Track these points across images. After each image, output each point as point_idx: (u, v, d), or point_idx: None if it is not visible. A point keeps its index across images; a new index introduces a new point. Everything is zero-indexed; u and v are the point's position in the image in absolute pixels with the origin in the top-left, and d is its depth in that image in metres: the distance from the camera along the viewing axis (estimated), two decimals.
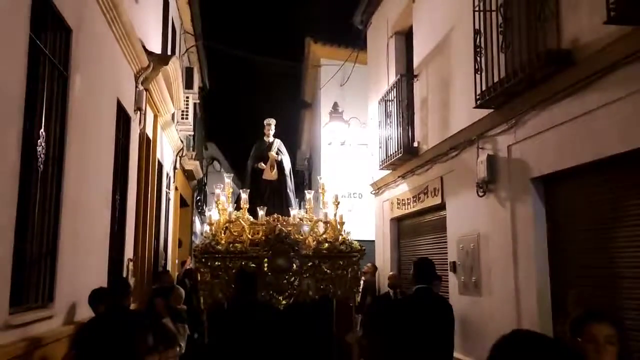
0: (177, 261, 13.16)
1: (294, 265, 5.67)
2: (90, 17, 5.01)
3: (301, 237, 5.89)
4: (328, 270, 5.79)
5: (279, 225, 5.92)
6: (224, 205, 6.18)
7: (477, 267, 6.02)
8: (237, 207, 6.32)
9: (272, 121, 7.77)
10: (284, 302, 5.62)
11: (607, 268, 4.25)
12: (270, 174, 7.32)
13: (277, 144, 7.64)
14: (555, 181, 4.91)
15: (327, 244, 5.88)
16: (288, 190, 7.47)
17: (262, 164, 7.34)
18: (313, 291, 5.74)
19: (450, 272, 6.76)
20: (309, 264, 5.77)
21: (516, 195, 5.31)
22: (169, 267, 11.68)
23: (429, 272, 4.51)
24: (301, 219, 6.31)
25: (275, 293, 5.62)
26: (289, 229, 5.94)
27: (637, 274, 3.93)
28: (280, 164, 7.48)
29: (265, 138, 7.66)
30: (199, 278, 5.71)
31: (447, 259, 6.94)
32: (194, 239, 16.24)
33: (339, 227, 6.05)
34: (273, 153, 7.38)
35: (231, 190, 6.49)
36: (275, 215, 6.36)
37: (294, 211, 6.68)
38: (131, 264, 7.28)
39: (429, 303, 4.30)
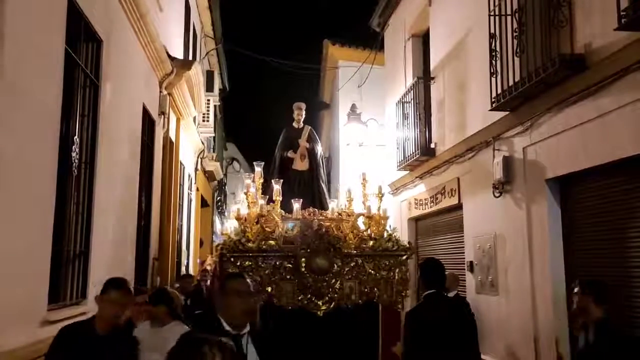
0: (197, 260, 13.42)
1: (335, 266, 5.01)
2: (119, 28, 5.24)
3: (341, 234, 5.23)
4: (372, 271, 5.13)
5: (316, 220, 5.27)
6: (254, 197, 5.48)
7: (494, 266, 6.11)
8: (269, 200, 5.65)
9: (303, 105, 6.99)
10: (323, 307, 5.00)
11: (622, 267, 4.34)
12: (301, 164, 6.71)
13: (308, 130, 6.90)
14: (570, 182, 4.99)
15: (371, 242, 5.24)
16: (320, 182, 6.81)
17: (292, 153, 6.70)
18: (356, 295, 5.10)
19: (468, 271, 6.86)
20: (352, 264, 5.13)
21: (532, 196, 5.40)
22: (190, 266, 11.94)
23: (440, 275, 4.06)
24: (340, 213, 5.66)
25: (314, 297, 4.98)
26: (327, 224, 5.24)
27: None
28: (311, 153, 6.80)
29: (294, 124, 6.89)
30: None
31: (464, 258, 7.05)
32: (214, 238, 16.51)
33: (382, 222, 5.40)
34: (304, 140, 6.76)
35: (261, 180, 5.78)
36: (312, 209, 5.78)
37: (332, 204, 6.02)
38: (156, 263, 7.53)
39: (442, 309, 3.92)
